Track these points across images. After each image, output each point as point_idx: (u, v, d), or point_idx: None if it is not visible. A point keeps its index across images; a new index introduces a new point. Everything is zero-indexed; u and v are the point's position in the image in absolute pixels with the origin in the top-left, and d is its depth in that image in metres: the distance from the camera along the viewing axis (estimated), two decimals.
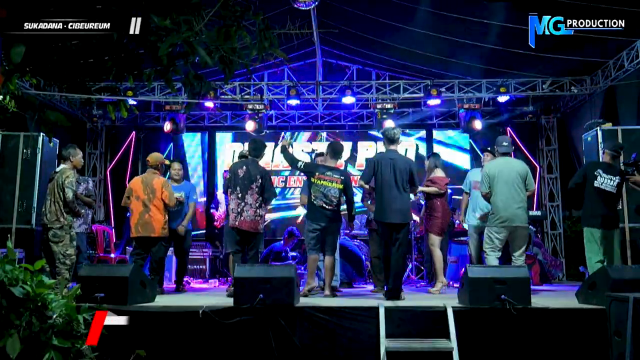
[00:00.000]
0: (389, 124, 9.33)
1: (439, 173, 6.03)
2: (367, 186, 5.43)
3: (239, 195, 5.56)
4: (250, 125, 9.46)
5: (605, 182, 5.43)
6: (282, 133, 10.59)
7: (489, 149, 6.41)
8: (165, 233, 5.79)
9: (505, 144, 5.55)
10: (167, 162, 6.39)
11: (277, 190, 10.19)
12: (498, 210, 5.25)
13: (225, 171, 6.00)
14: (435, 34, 7.92)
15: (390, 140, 5.34)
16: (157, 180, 5.79)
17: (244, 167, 5.64)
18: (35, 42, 2.53)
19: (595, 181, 5.44)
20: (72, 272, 5.40)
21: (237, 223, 5.54)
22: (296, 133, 10.70)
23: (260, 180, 5.59)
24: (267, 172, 5.83)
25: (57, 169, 5.68)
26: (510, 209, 5.20)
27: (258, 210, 5.57)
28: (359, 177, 5.55)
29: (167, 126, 9.59)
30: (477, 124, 9.31)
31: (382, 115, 9.36)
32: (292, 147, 5.74)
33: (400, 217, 5.06)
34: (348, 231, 7.96)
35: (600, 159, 5.95)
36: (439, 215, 5.80)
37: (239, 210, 5.54)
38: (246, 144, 7.26)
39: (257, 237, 5.69)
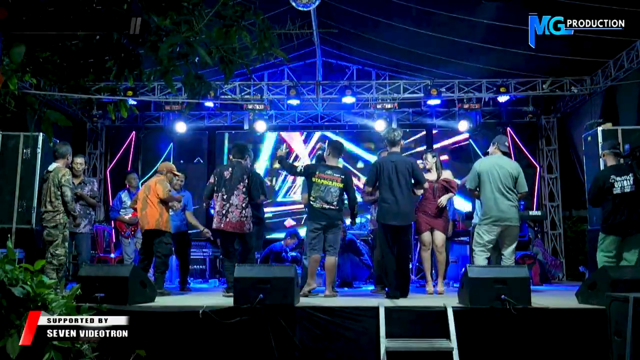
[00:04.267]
0: (380, 125, 9.33)
1: (449, 175, 5.98)
2: (371, 189, 5.42)
3: (224, 197, 5.58)
4: (260, 126, 9.52)
5: (622, 184, 5.28)
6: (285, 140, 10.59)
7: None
8: (162, 227, 5.73)
9: (507, 143, 5.57)
10: (178, 174, 6.44)
11: (278, 190, 10.43)
12: (489, 209, 5.21)
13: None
14: (435, 34, 7.93)
15: (392, 142, 5.38)
16: (155, 178, 5.96)
17: (230, 169, 5.70)
18: (35, 42, 2.53)
19: (613, 189, 5.28)
20: (62, 273, 5.35)
21: (222, 225, 5.55)
22: (305, 133, 10.71)
23: (247, 180, 5.63)
24: (254, 173, 5.93)
25: (50, 168, 5.67)
26: (500, 207, 5.16)
27: (244, 211, 5.58)
28: (365, 183, 5.57)
29: (181, 127, 9.66)
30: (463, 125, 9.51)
31: (377, 116, 9.39)
32: (287, 152, 5.79)
33: (404, 219, 5.14)
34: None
35: (603, 163, 5.86)
36: (447, 216, 5.83)
37: (223, 212, 5.55)
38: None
39: (246, 237, 5.70)
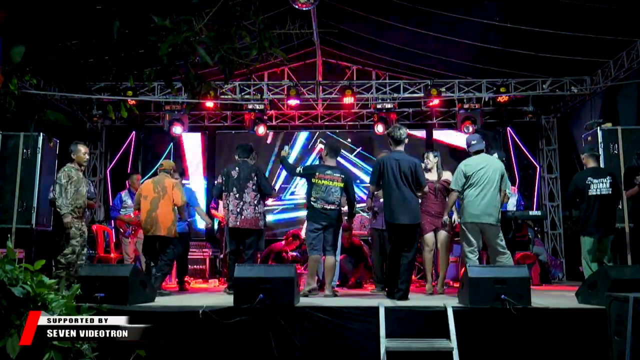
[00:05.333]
0: (379, 128, 9.30)
1: (449, 176, 5.97)
2: (374, 187, 5.39)
3: (237, 195, 5.68)
4: (261, 130, 9.51)
5: (598, 187, 5.46)
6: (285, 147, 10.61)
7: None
8: (173, 233, 5.75)
9: (474, 142, 5.45)
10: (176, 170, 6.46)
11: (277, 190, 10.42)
12: (468, 204, 5.19)
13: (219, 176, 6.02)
14: (435, 34, 7.93)
15: (397, 141, 5.27)
16: (169, 180, 5.85)
17: (237, 169, 5.79)
18: (36, 42, 2.53)
19: (589, 190, 5.47)
20: (72, 271, 5.28)
21: (238, 223, 5.64)
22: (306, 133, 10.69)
23: (255, 178, 5.74)
24: (260, 169, 6.01)
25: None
26: (480, 205, 5.13)
27: (257, 207, 5.72)
28: (369, 182, 5.55)
29: (177, 129, 9.61)
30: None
31: (378, 118, 9.38)
32: (289, 154, 5.80)
33: (409, 217, 5.05)
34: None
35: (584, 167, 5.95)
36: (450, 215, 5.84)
37: (238, 210, 5.65)
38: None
39: (257, 234, 5.76)
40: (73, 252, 5.28)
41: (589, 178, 5.52)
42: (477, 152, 5.41)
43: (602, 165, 6.29)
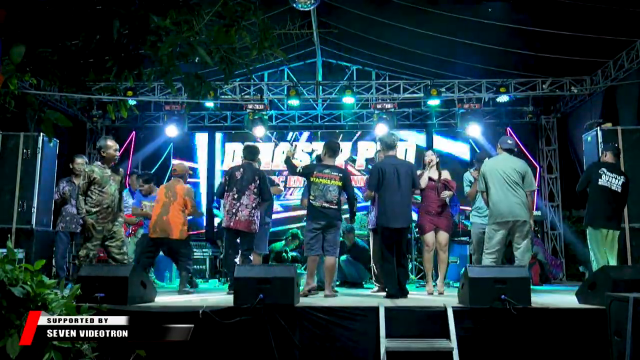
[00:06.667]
0: (380, 129, 9.30)
1: (448, 175, 5.98)
2: (373, 193, 5.46)
3: (235, 197, 5.73)
4: (259, 131, 9.48)
5: (610, 180, 5.40)
6: (294, 143, 10.58)
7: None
8: (184, 236, 5.86)
9: (509, 141, 5.51)
10: (190, 172, 6.49)
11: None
12: (495, 208, 5.16)
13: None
14: (435, 34, 7.93)
15: (389, 146, 5.49)
16: (181, 186, 5.99)
17: (242, 170, 5.85)
18: (36, 42, 2.53)
19: (600, 179, 5.41)
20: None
21: (231, 223, 5.71)
22: (295, 134, 10.70)
23: (258, 182, 5.79)
24: (264, 174, 6.01)
25: None
26: (505, 205, 5.10)
27: (253, 211, 5.74)
28: (366, 186, 5.65)
29: (172, 131, 9.59)
30: (473, 130, 9.35)
31: (377, 118, 9.37)
32: (294, 156, 5.82)
33: (405, 221, 5.26)
34: None
35: (600, 160, 5.91)
36: (451, 214, 5.86)
37: (233, 211, 5.71)
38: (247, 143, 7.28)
39: (250, 237, 5.80)
40: (87, 255, 5.06)
41: (602, 168, 5.46)
42: (506, 150, 5.40)
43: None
